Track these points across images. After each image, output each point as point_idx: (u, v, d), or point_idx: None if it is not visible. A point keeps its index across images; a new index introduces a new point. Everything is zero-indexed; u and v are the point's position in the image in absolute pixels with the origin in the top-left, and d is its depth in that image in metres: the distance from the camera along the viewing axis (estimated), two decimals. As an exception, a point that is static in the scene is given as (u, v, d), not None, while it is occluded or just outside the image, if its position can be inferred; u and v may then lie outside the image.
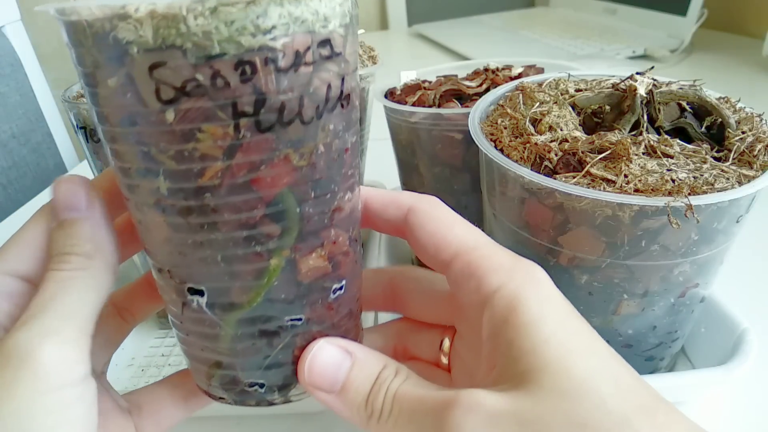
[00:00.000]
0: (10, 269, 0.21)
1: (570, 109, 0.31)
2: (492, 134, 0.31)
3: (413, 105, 0.42)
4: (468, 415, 0.18)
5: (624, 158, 0.26)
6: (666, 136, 0.28)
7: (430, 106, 0.41)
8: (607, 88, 0.32)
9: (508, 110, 0.32)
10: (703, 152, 0.27)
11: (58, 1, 0.18)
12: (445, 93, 0.42)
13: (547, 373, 0.18)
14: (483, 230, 0.24)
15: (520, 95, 0.33)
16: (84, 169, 0.76)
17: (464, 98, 0.42)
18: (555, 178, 0.26)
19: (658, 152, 0.27)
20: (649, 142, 0.27)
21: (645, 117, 0.29)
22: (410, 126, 0.41)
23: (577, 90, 0.33)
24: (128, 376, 0.41)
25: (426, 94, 0.43)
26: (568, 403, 0.17)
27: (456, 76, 0.47)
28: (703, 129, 0.30)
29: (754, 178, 0.26)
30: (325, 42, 0.18)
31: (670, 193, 0.24)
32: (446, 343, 0.25)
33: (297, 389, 0.23)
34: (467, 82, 0.43)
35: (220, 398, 0.23)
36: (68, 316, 0.19)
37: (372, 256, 0.47)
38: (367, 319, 0.28)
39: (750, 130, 0.28)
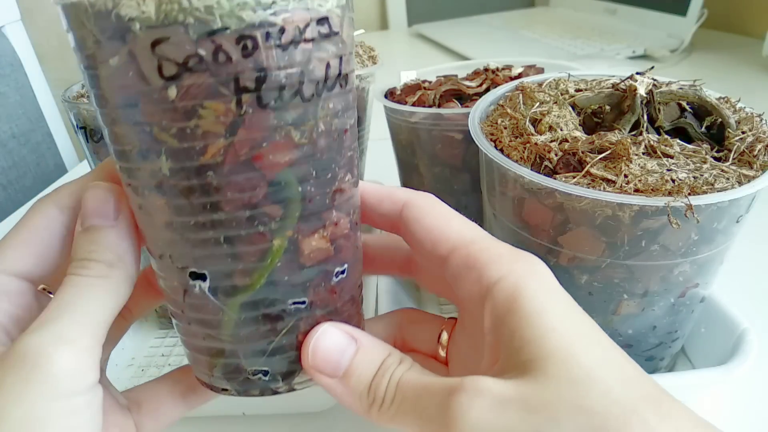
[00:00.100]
0: (7, 268, 0.21)
1: (570, 109, 0.31)
2: (492, 134, 0.31)
3: (413, 105, 0.42)
4: (474, 400, 0.18)
5: (624, 158, 0.26)
6: (666, 136, 0.28)
7: (430, 106, 0.41)
8: (607, 88, 0.32)
9: (508, 110, 0.32)
10: (703, 152, 0.27)
11: None
12: (445, 93, 0.42)
13: (554, 361, 0.18)
14: (483, 230, 0.24)
15: (520, 95, 0.33)
16: (84, 169, 0.76)
17: (464, 98, 0.42)
18: (555, 178, 0.26)
19: (658, 152, 0.27)
20: (649, 142, 0.27)
21: (645, 117, 0.29)
22: (410, 126, 0.41)
23: (577, 90, 0.33)
24: (128, 376, 0.41)
25: (426, 94, 0.43)
26: (576, 391, 0.17)
27: (456, 76, 0.47)
28: (703, 129, 0.30)
29: (754, 178, 0.26)
30: (324, 20, 0.18)
31: (670, 193, 0.24)
32: (444, 336, 0.25)
33: (301, 377, 0.22)
34: (467, 82, 0.43)
35: (223, 390, 0.23)
36: (84, 323, 0.19)
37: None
38: (368, 311, 0.28)
39: (750, 130, 0.28)
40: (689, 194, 0.24)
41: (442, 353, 0.25)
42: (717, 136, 0.29)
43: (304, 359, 0.22)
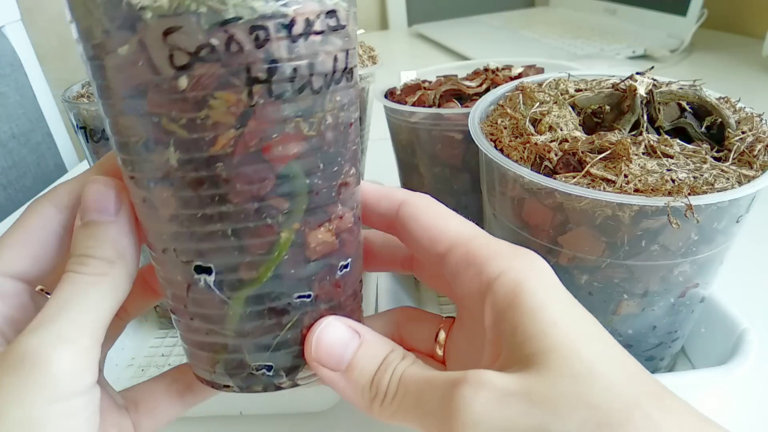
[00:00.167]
0: (3, 269, 0.21)
1: (570, 109, 0.31)
2: (492, 134, 0.31)
3: (413, 105, 0.42)
4: (477, 392, 0.17)
5: (624, 158, 0.26)
6: (666, 136, 0.28)
7: (430, 106, 0.41)
8: (607, 88, 0.32)
9: (508, 110, 0.32)
10: (703, 152, 0.27)
11: None
12: (445, 93, 0.42)
13: (557, 355, 0.18)
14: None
15: (520, 95, 0.33)
16: (84, 169, 0.76)
17: (464, 98, 0.42)
18: (555, 178, 0.26)
19: (658, 152, 0.27)
20: (649, 142, 0.27)
21: (645, 117, 0.29)
22: (410, 126, 0.41)
23: (577, 90, 0.33)
24: (128, 376, 0.41)
25: (426, 94, 0.43)
26: (579, 385, 0.17)
27: (456, 76, 0.47)
28: (703, 129, 0.30)
29: (754, 178, 0.26)
30: (332, 13, 0.19)
31: (670, 193, 0.24)
32: (442, 334, 0.25)
33: (304, 372, 0.22)
34: (467, 82, 0.43)
35: (225, 386, 0.23)
36: (82, 323, 0.19)
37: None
38: (368, 310, 0.28)
39: (750, 130, 0.28)
40: (689, 194, 0.24)
41: (440, 352, 0.25)
42: (717, 136, 0.29)
43: (307, 352, 0.21)
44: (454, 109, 0.39)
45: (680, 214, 0.24)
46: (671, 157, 0.27)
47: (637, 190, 0.25)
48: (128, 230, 0.21)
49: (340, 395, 0.22)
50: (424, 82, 0.47)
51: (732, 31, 1.13)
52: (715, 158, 0.27)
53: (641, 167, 0.26)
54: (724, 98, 0.32)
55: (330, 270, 0.22)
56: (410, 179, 0.46)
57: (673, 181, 0.25)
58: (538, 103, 0.31)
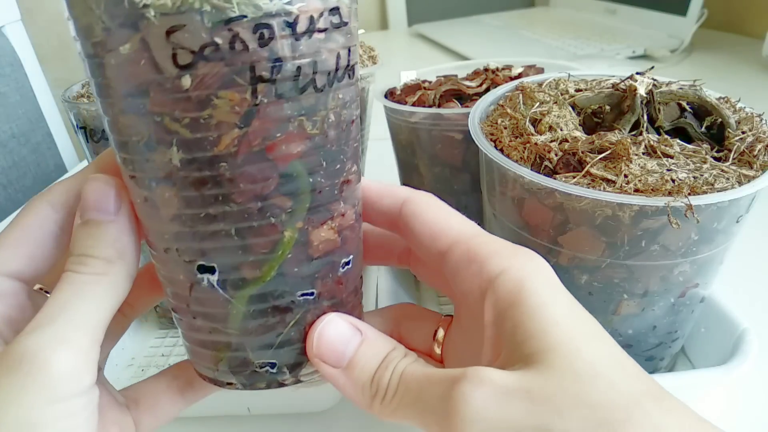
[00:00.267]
0: (0, 268, 0.21)
1: (570, 109, 0.31)
2: (492, 134, 0.31)
3: (413, 105, 0.42)
4: (477, 389, 0.17)
5: (624, 158, 0.26)
6: (666, 136, 0.28)
7: (430, 106, 0.41)
8: (607, 88, 0.32)
9: (508, 110, 0.32)
10: (703, 152, 0.27)
11: None
12: (445, 93, 0.42)
13: (557, 354, 0.18)
14: (483, 230, 0.23)
15: (520, 95, 0.33)
16: (84, 169, 0.76)
17: (464, 98, 0.42)
18: (555, 178, 0.26)
19: (658, 152, 0.27)
20: (649, 142, 0.27)
21: (645, 117, 0.29)
22: (410, 126, 0.41)
23: (577, 90, 0.33)
24: (128, 376, 0.41)
25: (426, 94, 0.43)
26: (580, 384, 0.17)
27: (456, 76, 0.47)
28: (703, 129, 0.30)
29: (754, 178, 0.26)
30: (335, 10, 0.18)
31: (670, 193, 0.24)
32: (441, 332, 0.25)
33: (307, 368, 0.22)
34: (467, 82, 0.43)
35: (228, 384, 0.23)
36: (82, 324, 0.19)
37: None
38: (368, 309, 0.28)
39: (750, 130, 0.28)
40: (689, 194, 0.24)
41: (438, 351, 0.25)
42: (717, 136, 0.29)
43: (308, 348, 0.22)
44: (454, 109, 0.39)
45: (680, 214, 0.24)
46: (671, 157, 0.27)
47: (637, 190, 0.25)
48: (128, 229, 0.21)
49: (340, 392, 0.22)
50: (424, 82, 0.47)
51: (732, 31, 1.13)
52: (715, 158, 0.27)
53: (641, 167, 0.26)
54: (724, 98, 0.32)
55: (332, 267, 0.22)
56: (410, 179, 0.46)
57: (673, 181, 0.25)
58: (538, 103, 0.31)
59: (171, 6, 0.16)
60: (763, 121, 0.30)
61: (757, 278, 0.45)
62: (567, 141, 0.28)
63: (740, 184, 0.25)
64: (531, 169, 0.27)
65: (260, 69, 0.17)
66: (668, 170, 0.25)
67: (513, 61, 0.48)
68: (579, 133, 0.29)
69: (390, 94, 0.46)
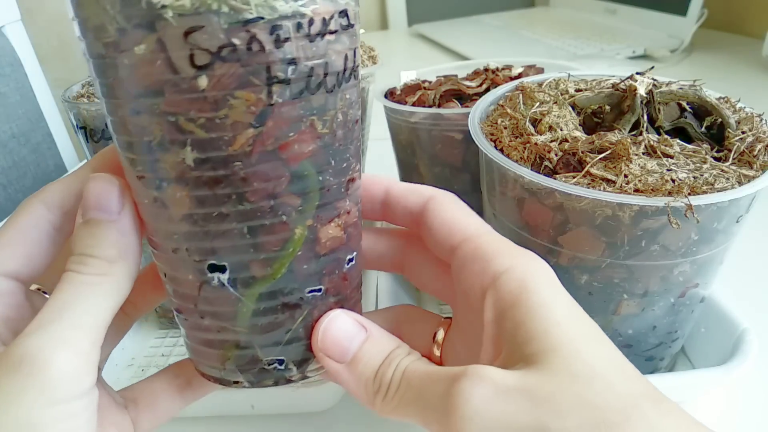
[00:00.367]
0: None
1: (570, 109, 0.31)
2: (492, 134, 0.31)
3: (413, 105, 0.42)
4: (477, 386, 0.18)
5: (624, 158, 0.26)
6: (666, 136, 0.28)
7: (430, 106, 0.41)
8: (607, 88, 0.32)
9: (508, 110, 0.32)
10: (703, 152, 0.27)
11: None
12: (445, 93, 0.42)
13: (559, 355, 0.18)
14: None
15: (520, 95, 0.33)
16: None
17: (464, 98, 0.42)
18: (555, 178, 0.26)
19: (658, 152, 0.27)
20: (649, 142, 0.27)
21: (645, 117, 0.29)
22: (410, 126, 0.41)
23: (577, 90, 0.33)
24: (128, 376, 0.41)
25: (426, 94, 0.43)
26: (580, 385, 0.17)
27: (456, 76, 0.47)
28: (703, 129, 0.30)
29: (754, 178, 0.26)
30: (344, 12, 0.19)
31: (670, 193, 0.24)
32: (440, 333, 0.25)
33: (314, 364, 0.23)
34: (467, 82, 0.43)
35: (235, 382, 0.23)
36: (82, 325, 0.19)
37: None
38: (368, 308, 0.28)
39: (750, 130, 0.28)
40: (689, 194, 0.24)
41: (437, 352, 0.25)
42: (717, 136, 0.29)
43: (314, 342, 0.22)
44: (454, 109, 0.39)
45: (680, 214, 0.24)
46: (671, 157, 0.27)
47: (637, 190, 0.25)
48: (130, 229, 0.21)
49: (343, 387, 0.22)
50: (424, 82, 0.47)
51: (732, 31, 1.13)
52: (715, 158, 0.27)
53: (641, 167, 0.26)
54: (724, 98, 0.32)
55: (338, 264, 0.22)
56: (410, 179, 0.46)
57: (673, 181, 0.25)
58: (538, 103, 0.31)
59: (189, 7, 0.16)
60: (763, 121, 0.30)
61: (757, 278, 0.45)
62: (567, 141, 0.28)
63: (740, 184, 0.25)
64: (531, 169, 0.27)
65: (275, 70, 0.17)
66: (668, 170, 0.25)
67: (513, 61, 0.48)
68: (579, 133, 0.29)
69: (390, 94, 0.46)
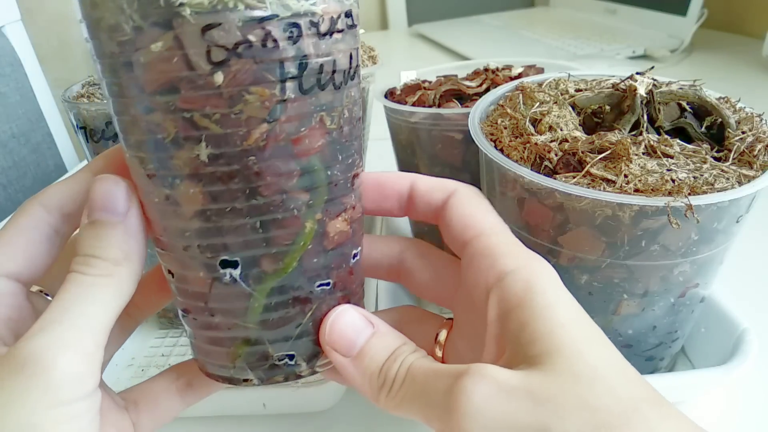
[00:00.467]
0: None
1: (570, 109, 0.31)
2: (492, 134, 0.31)
3: (413, 105, 0.42)
4: (480, 384, 0.18)
5: (624, 158, 0.26)
6: (666, 136, 0.28)
7: (430, 106, 0.41)
8: (607, 88, 0.32)
9: (508, 110, 0.32)
10: (703, 152, 0.27)
11: None
12: (445, 93, 0.42)
13: (562, 356, 0.18)
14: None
15: (520, 95, 0.33)
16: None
17: (464, 98, 0.42)
18: (555, 178, 0.26)
19: (658, 152, 0.27)
20: (649, 142, 0.27)
21: (645, 117, 0.29)
22: (410, 126, 0.41)
23: (577, 90, 0.33)
24: (128, 376, 0.41)
25: (426, 94, 0.43)
26: (581, 387, 0.17)
27: (456, 76, 0.47)
28: (703, 129, 0.30)
29: (754, 178, 0.26)
30: (349, 13, 0.20)
31: (670, 193, 0.24)
32: (443, 334, 0.25)
33: (322, 359, 0.23)
34: (467, 82, 0.43)
35: (245, 380, 0.23)
36: (86, 327, 0.19)
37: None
38: (369, 304, 0.28)
39: (750, 130, 0.28)
40: (689, 194, 0.24)
41: (439, 353, 0.25)
42: (717, 136, 0.29)
43: (321, 336, 0.22)
44: (454, 109, 0.39)
45: (680, 214, 0.24)
46: (671, 157, 0.27)
47: (637, 190, 0.25)
48: (136, 231, 0.21)
49: (349, 382, 0.22)
50: (424, 82, 0.47)
51: (732, 31, 1.13)
52: (715, 158, 0.27)
53: (641, 167, 0.26)
54: (724, 98, 0.32)
55: (345, 258, 0.22)
56: (410, 179, 0.46)
57: (673, 181, 0.25)
58: (538, 103, 0.31)
59: (207, 4, 0.17)
60: (763, 121, 0.30)
61: (757, 278, 0.45)
62: (567, 141, 0.28)
63: (740, 184, 0.25)
64: (531, 169, 0.27)
65: (288, 66, 0.18)
66: (668, 170, 0.25)
67: (513, 61, 0.48)
68: (579, 133, 0.29)
69: (390, 94, 0.46)
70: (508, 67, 0.45)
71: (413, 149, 0.43)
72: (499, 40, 1.21)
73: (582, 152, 0.27)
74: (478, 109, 0.34)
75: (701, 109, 0.30)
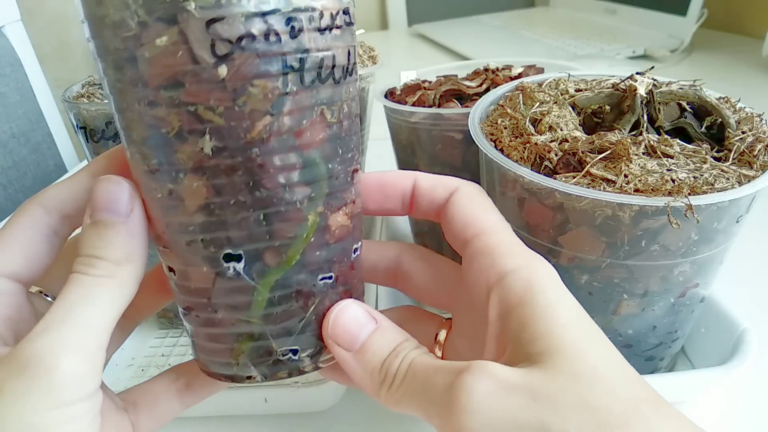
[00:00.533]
0: None
1: (570, 109, 0.31)
2: (492, 134, 0.31)
3: (413, 105, 0.42)
4: (480, 380, 0.18)
5: (624, 158, 0.26)
6: (666, 136, 0.28)
7: (430, 106, 0.41)
8: (607, 88, 0.32)
9: (508, 110, 0.32)
10: (703, 152, 0.27)
11: None
12: (445, 93, 0.42)
13: (563, 355, 0.18)
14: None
15: (520, 95, 0.33)
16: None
17: (464, 98, 0.42)
18: (555, 178, 0.26)
19: (658, 152, 0.27)
20: (649, 142, 0.27)
21: (645, 117, 0.29)
22: (410, 126, 0.41)
23: (577, 90, 0.33)
24: (128, 376, 0.41)
25: (426, 94, 0.43)
26: (581, 387, 0.17)
27: (456, 76, 0.47)
28: (703, 129, 0.30)
29: (754, 178, 0.26)
30: (347, 10, 0.20)
31: (670, 193, 0.24)
32: (442, 334, 0.25)
33: (325, 354, 0.23)
34: (467, 82, 0.43)
35: (248, 377, 0.23)
36: (89, 327, 0.19)
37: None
38: (368, 304, 0.28)
39: (750, 130, 0.28)
40: (689, 194, 0.24)
41: (439, 353, 0.25)
42: (717, 136, 0.29)
43: (324, 329, 0.22)
44: (454, 109, 0.39)
45: (680, 214, 0.24)
46: (671, 157, 0.27)
47: (637, 190, 0.25)
48: (139, 231, 0.21)
49: (350, 377, 0.22)
50: (424, 82, 0.47)
51: (732, 31, 1.13)
52: (715, 158, 0.27)
53: (641, 167, 0.26)
54: (724, 98, 0.32)
55: (346, 253, 0.23)
56: (410, 179, 0.46)
57: (673, 181, 0.25)
58: (538, 103, 0.31)
59: None
60: (763, 121, 0.30)
61: (757, 278, 0.45)
62: (567, 141, 0.28)
63: (740, 184, 0.25)
64: (531, 169, 0.27)
65: (290, 59, 0.18)
66: (668, 170, 0.25)
67: (513, 61, 0.48)
68: (579, 133, 0.29)
69: (390, 94, 0.46)
70: (508, 67, 0.45)
71: (413, 149, 0.43)
72: (499, 40, 1.21)
73: (582, 152, 0.27)
74: (478, 109, 0.34)
75: (701, 109, 0.30)
